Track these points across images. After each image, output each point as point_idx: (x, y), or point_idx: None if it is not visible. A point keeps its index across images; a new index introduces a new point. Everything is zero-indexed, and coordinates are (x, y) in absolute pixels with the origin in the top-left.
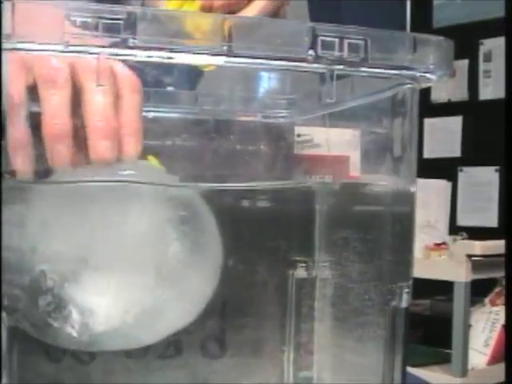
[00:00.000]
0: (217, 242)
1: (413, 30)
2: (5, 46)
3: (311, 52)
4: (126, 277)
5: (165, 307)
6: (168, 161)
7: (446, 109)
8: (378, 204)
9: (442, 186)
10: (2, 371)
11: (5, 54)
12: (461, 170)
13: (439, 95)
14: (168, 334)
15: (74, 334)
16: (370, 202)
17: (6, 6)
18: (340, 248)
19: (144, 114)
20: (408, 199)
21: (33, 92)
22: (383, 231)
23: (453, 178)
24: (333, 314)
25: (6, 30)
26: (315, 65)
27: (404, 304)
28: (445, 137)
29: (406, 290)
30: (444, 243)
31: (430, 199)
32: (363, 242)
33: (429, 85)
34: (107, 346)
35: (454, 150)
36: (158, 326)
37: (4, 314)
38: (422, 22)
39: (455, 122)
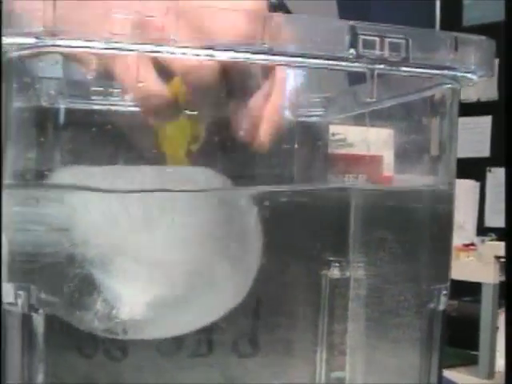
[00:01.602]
0: (257, 240)
1: (442, 29)
2: (45, 42)
3: (352, 51)
4: (159, 267)
5: (195, 300)
6: (202, 160)
7: (476, 108)
8: (415, 204)
9: (470, 186)
10: (37, 369)
11: None
12: (489, 171)
13: (468, 95)
14: (197, 328)
15: (96, 320)
16: (407, 202)
17: (48, 2)
18: (375, 248)
19: None
20: (447, 200)
21: None
22: (420, 232)
23: (481, 178)
24: (367, 315)
25: (47, 26)
26: (356, 64)
27: (442, 306)
28: (474, 137)
29: (444, 292)
30: (472, 244)
31: (459, 200)
32: (399, 242)
33: (470, 85)
34: (135, 335)
35: (483, 150)
36: (186, 318)
37: (41, 311)
38: (452, 20)
39: (484, 122)
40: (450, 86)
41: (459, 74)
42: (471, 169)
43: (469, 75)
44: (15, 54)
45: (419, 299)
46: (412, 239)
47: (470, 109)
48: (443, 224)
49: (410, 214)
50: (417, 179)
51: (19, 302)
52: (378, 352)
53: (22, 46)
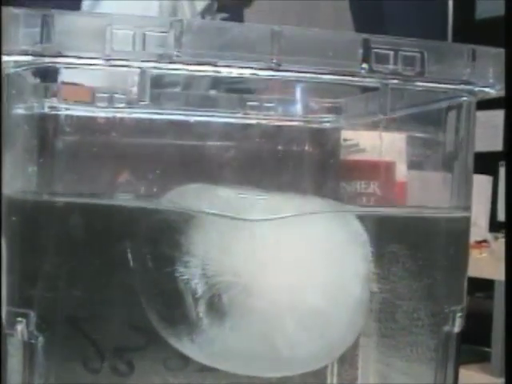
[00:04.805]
0: (369, 266)
1: (455, 21)
2: (44, 59)
3: (364, 65)
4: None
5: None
6: (212, 165)
7: (487, 102)
8: (430, 223)
9: (482, 181)
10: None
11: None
12: (502, 165)
13: None
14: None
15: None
16: (421, 221)
17: (47, 17)
18: (388, 263)
19: (186, 118)
20: (463, 220)
21: None
22: (436, 250)
23: (494, 172)
24: (379, 330)
25: (46, 42)
26: (368, 79)
27: (457, 329)
28: (486, 131)
29: (459, 314)
30: (485, 241)
31: None
32: (413, 259)
33: (486, 98)
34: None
35: (496, 144)
36: (296, 360)
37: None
38: (465, 13)
39: (497, 116)
40: (465, 99)
41: (477, 88)
42: (484, 163)
43: (486, 89)
44: (12, 70)
45: (433, 320)
46: (427, 256)
47: (481, 103)
48: (459, 245)
49: (425, 232)
50: (430, 187)
51: (18, 328)
52: (390, 368)
53: (18, 64)
